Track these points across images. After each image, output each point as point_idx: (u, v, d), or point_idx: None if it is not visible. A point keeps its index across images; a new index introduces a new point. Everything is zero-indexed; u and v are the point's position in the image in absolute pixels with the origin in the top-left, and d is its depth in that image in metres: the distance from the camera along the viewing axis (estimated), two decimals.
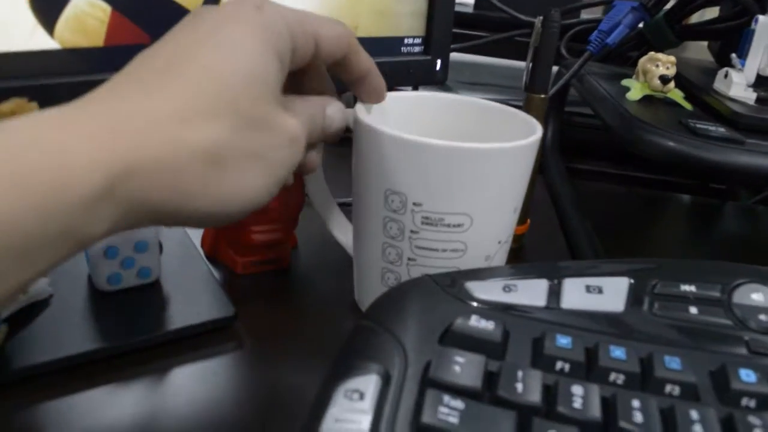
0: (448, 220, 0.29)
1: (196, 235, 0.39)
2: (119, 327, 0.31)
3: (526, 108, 0.39)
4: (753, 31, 0.38)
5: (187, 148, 0.22)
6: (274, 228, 0.36)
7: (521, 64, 0.62)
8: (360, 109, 0.31)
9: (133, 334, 0.30)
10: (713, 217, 0.51)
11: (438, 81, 0.40)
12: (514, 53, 0.57)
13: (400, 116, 0.33)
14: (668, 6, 0.47)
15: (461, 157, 0.28)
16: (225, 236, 0.37)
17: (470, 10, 0.63)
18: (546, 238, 0.44)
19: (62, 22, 0.30)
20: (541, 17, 0.37)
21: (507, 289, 0.27)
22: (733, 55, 0.39)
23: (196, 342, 0.32)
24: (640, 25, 0.49)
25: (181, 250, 0.37)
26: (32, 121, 0.19)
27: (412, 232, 0.30)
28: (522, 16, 0.57)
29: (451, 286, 0.27)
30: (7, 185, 0.18)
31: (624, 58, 0.52)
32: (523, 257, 0.42)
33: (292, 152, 0.26)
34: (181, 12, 0.33)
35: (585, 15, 0.61)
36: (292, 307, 0.35)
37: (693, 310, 0.26)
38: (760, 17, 0.38)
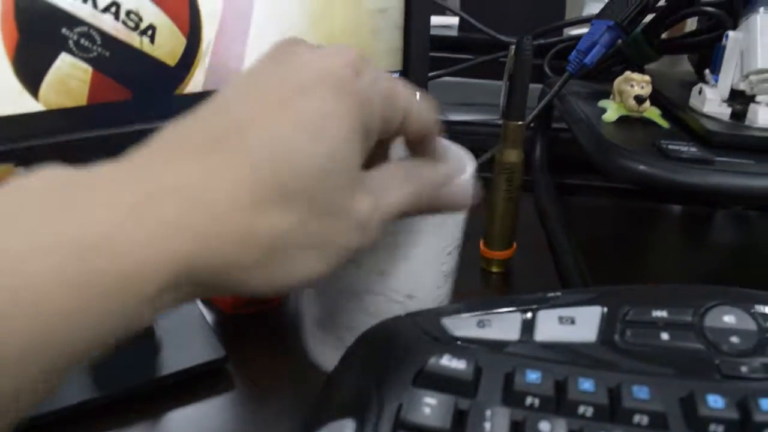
0: None
1: None
2: (112, 374, 0.32)
3: (504, 135, 0.40)
4: (724, 47, 0.38)
5: (254, 240, 0.20)
6: None
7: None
8: None
9: (125, 382, 0.32)
10: (705, 225, 0.51)
11: None
12: (500, 74, 0.57)
13: None
14: (645, 21, 0.47)
15: None
16: None
17: (455, 32, 0.64)
18: (535, 261, 0.44)
19: (46, 85, 0.32)
20: (514, 45, 0.37)
21: (481, 324, 0.28)
22: (707, 71, 0.39)
23: (187, 385, 0.33)
24: (621, 41, 0.50)
25: None
26: (90, 203, 0.18)
27: None
28: (503, 38, 0.57)
29: (428, 324, 0.28)
30: (65, 291, 0.16)
31: (608, 73, 0.52)
32: (510, 283, 0.43)
33: (360, 235, 0.23)
34: (162, 68, 0.34)
35: (572, 30, 0.61)
36: (284, 347, 0.36)
37: (664, 336, 0.27)
38: (730, 33, 0.38)
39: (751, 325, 0.27)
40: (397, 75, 0.40)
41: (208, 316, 0.38)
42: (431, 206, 0.26)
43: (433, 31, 0.66)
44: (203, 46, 0.34)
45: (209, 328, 0.36)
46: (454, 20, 0.65)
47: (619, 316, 0.28)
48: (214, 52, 0.34)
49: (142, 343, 0.34)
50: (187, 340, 0.35)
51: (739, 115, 0.38)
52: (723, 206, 0.50)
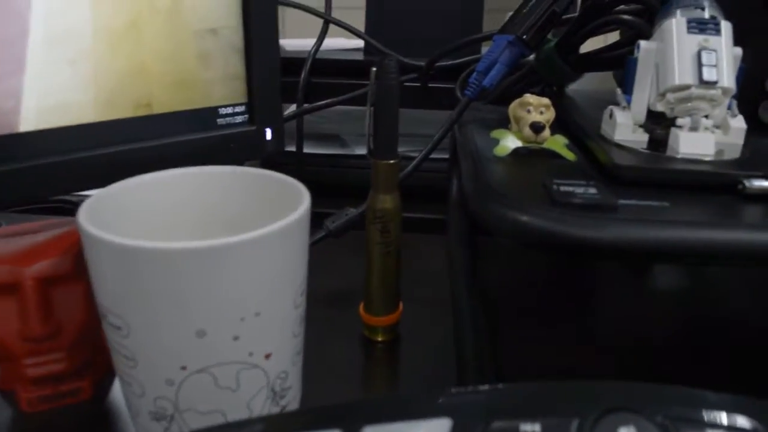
0: (109, 319, 0.24)
1: None
2: None
3: (374, 177, 0.33)
4: (636, 60, 0.31)
5: None
6: (55, 357, 0.29)
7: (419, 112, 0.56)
8: (88, 206, 0.24)
9: None
10: (650, 275, 0.44)
11: (270, 152, 0.33)
12: (407, 101, 0.50)
13: (148, 205, 0.28)
14: (558, 35, 0.41)
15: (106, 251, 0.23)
16: (6, 369, 0.30)
17: (362, 57, 0.57)
18: (435, 323, 0.37)
19: None
20: (374, 69, 0.30)
21: None
22: (618, 90, 0.32)
23: None
24: (535, 59, 0.43)
25: None
26: None
27: None
28: (407, 60, 0.51)
29: None
30: None
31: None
32: (398, 355, 0.35)
33: None
34: None
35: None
36: None
37: None
38: (642, 43, 0.31)
39: None
40: (242, 108, 0.32)
41: (3, 414, 0.30)
42: None
43: (338, 56, 0.59)
44: None
45: None
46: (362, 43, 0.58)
47: None
48: None
49: None
50: None
51: (659, 144, 0.31)
52: None
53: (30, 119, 0.27)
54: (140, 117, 0.29)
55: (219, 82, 0.31)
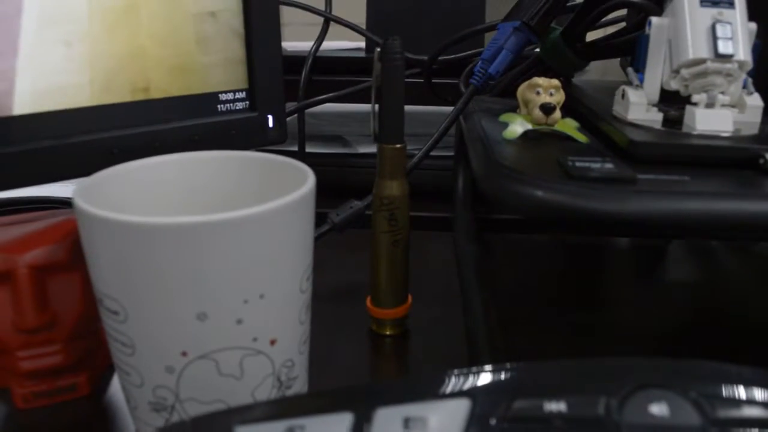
0: (106, 303, 0.23)
1: None
2: None
3: (380, 163, 0.31)
4: (647, 37, 0.30)
5: None
6: (51, 350, 0.27)
7: (426, 108, 0.55)
8: (83, 186, 0.23)
9: None
10: (655, 263, 0.43)
11: (273, 141, 0.32)
12: (412, 99, 0.50)
13: (144, 191, 0.27)
14: (564, 23, 0.40)
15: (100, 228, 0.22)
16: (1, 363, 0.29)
17: (363, 55, 0.57)
18: (445, 318, 0.35)
19: None
20: (378, 50, 0.29)
21: None
22: (629, 69, 0.31)
23: None
24: (537, 49, 0.42)
25: None
26: None
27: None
28: (411, 55, 0.50)
29: None
30: None
31: None
32: (407, 349, 0.33)
33: None
34: None
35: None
36: None
37: None
38: (653, 19, 0.30)
39: (691, 418, 0.18)
40: (242, 95, 0.31)
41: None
42: None
43: (339, 54, 0.59)
44: None
45: None
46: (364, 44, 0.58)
47: (496, 413, 0.19)
48: None
49: None
50: None
51: (674, 122, 0.30)
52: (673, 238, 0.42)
53: (24, 102, 0.26)
54: (137, 101, 0.28)
55: (219, 67, 0.30)
